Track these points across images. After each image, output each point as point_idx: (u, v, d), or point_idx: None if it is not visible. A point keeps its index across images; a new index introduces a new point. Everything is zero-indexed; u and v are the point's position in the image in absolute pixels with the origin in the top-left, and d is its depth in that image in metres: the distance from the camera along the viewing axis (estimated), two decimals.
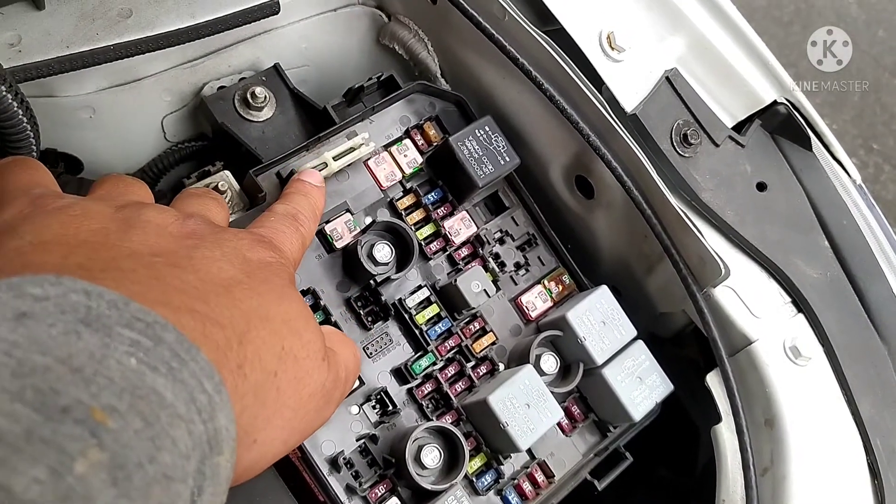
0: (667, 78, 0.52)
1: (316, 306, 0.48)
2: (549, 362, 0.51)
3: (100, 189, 0.37)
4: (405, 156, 0.52)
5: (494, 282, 0.53)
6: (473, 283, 0.50)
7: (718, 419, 0.51)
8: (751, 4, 2.04)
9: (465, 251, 0.53)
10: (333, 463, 0.46)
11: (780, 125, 0.54)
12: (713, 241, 0.51)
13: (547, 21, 0.53)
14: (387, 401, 0.48)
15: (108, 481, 0.20)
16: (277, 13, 0.48)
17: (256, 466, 0.31)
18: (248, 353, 0.29)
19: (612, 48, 0.51)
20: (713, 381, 0.51)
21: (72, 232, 0.31)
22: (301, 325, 0.33)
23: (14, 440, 0.19)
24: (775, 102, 0.54)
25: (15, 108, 0.39)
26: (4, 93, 0.37)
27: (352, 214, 0.50)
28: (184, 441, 0.23)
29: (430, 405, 0.50)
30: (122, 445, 0.21)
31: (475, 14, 0.51)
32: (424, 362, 0.50)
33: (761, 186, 0.53)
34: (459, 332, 0.51)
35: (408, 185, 0.52)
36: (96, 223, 0.31)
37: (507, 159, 0.52)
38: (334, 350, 0.36)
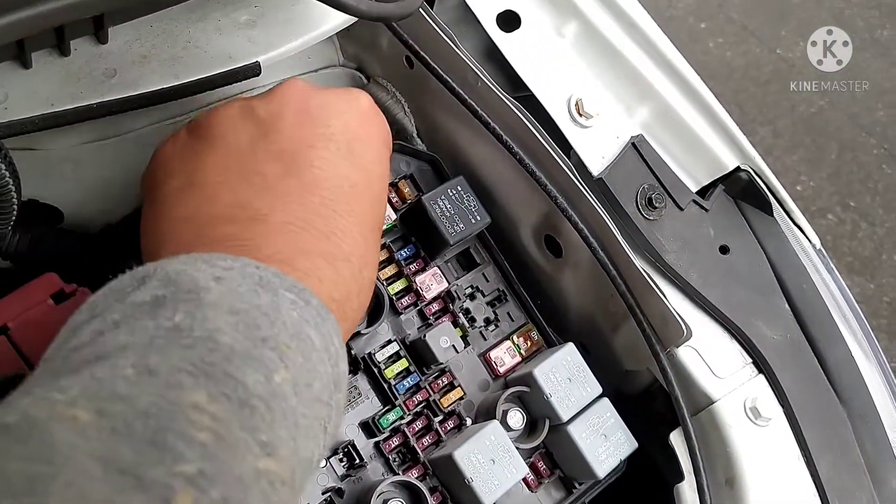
0: (633, 143, 0.54)
1: None
2: (516, 418, 0.52)
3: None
4: None
5: (464, 337, 0.54)
6: (442, 338, 0.51)
7: (681, 477, 0.52)
8: (729, 65, 2.09)
9: (435, 306, 0.54)
10: None
11: (743, 190, 0.56)
12: (677, 302, 0.53)
13: (518, 87, 0.55)
14: (354, 454, 0.49)
15: (292, 392, 0.29)
16: (258, 75, 0.50)
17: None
18: (366, 278, 0.39)
19: (581, 114, 0.53)
20: (676, 439, 0.52)
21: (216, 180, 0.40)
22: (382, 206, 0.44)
23: (242, 354, 0.28)
24: (738, 168, 0.56)
25: None
26: None
27: None
28: (325, 377, 0.32)
29: (396, 459, 0.50)
30: (296, 370, 0.30)
31: (449, 80, 0.53)
32: (392, 416, 0.51)
33: (724, 249, 0.54)
34: (427, 387, 0.52)
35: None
36: (234, 161, 0.40)
37: (479, 218, 0.54)
38: None
